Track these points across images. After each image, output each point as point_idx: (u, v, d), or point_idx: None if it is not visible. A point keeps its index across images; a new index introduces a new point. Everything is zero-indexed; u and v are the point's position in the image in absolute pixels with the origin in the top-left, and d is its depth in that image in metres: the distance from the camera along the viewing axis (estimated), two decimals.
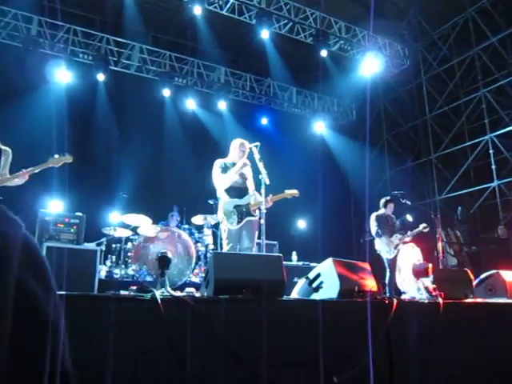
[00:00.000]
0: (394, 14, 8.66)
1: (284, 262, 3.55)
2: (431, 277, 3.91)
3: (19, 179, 4.40)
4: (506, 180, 8.71)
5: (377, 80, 10.71)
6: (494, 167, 8.91)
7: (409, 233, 6.43)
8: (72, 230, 6.15)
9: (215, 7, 8.78)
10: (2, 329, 0.34)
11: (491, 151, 8.99)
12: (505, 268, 4.75)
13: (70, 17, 8.80)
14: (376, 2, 5.70)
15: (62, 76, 9.12)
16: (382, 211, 6.83)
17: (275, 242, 7.31)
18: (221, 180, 4.87)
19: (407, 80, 10.87)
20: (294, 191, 5.01)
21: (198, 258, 6.83)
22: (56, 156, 4.46)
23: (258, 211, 4.73)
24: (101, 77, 9.48)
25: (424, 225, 6.41)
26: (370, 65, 9.87)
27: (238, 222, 4.75)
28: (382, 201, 6.92)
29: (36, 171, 4.44)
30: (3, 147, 4.55)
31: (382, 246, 6.47)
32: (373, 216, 6.70)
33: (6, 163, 4.56)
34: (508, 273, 4.53)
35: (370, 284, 3.57)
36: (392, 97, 11.25)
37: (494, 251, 8.02)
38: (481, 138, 9.25)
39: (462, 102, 9.74)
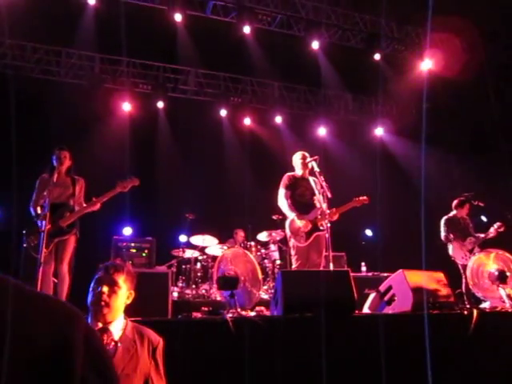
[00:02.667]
0: (447, 8, 8.31)
1: (353, 274, 3.48)
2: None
3: (92, 207, 4.66)
4: None
5: (436, 76, 10.29)
6: None
7: (482, 235, 6.07)
8: (144, 254, 6.40)
9: (264, 24, 8.91)
10: None
11: None
12: None
13: (128, 50, 9.26)
14: None
15: (125, 107, 9.61)
16: (453, 213, 6.52)
17: (342, 254, 7.18)
18: (281, 198, 4.91)
19: (470, 72, 10.34)
20: (364, 198, 4.93)
21: (266, 275, 6.86)
22: (124, 180, 4.65)
23: (325, 224, 4.68)
24: (160, 104, 9.90)
25: (498, 224, 6.02)
26: (427, 62, 9.53)
27: (307, 239, 4.73)
28: (455, 202, 6.62)
29: (106, 198, 4.66)
30: (76, 177, 4.87)
31: (455, 252, 6.15)
32: (442, 220, 6.42)
33: (81, 192, 4.86)
34: None
35: (446, 294, 3.40)
36: (454, 92, 10.74)
37: None
38: None
39: None
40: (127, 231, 8.16)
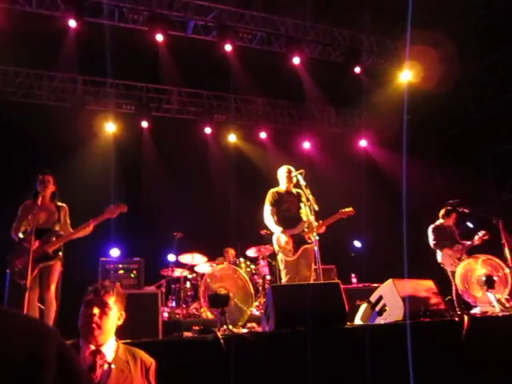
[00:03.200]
0: (422, 21, 8.51)
1: (344, 286, 3.48)
2: (503, 289, 3.70)
3: (84, 231, 4.59)
4: None
5: (416, 88, 10.47)
6: None
7: (468, 242, 6.16)
8: (132, 275, 6.33)
9: (245, 42, 9.01)
10: None
11: None
12: None
13: (110, 72, 9.28)
14: (401, 12, 5.66)
15: (108, 128, 9.58)
16: (439, 222, 6.60)
17: (332, 266, 7.17)
18: (266, 215, 4.91)
19: (448, 83, 10.56)
20: (349, 209, 4.96)
21: (257, 291, 6.82)
22: (111, 206, 4.61)
23: (313, 237, 4.66)
24: (145, 124, 9.89)
25: (483, 232, 6.12)
26: (407, 74, 9.71)
27: (295, 253, 4.72)
28: (442, 212, 6.70)
29: (93, 225, 4.61)
30: (59, 204, 4.81)
31: (444, 259, 6.20)
32: (430, 228, 6.50)
33: (66, 219, 4.80)
34: None
35: (437, 302, 3.42)
36: (434, 103, 10.93)
37: None
38: None
39: (509, 98, 9.31)
40: (115, 252, 8.07)
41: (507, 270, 4.34)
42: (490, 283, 3.81)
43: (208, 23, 8.67)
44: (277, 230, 4.80)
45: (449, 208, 6.68)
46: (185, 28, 8.68)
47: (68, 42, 8.18)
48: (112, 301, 2.17)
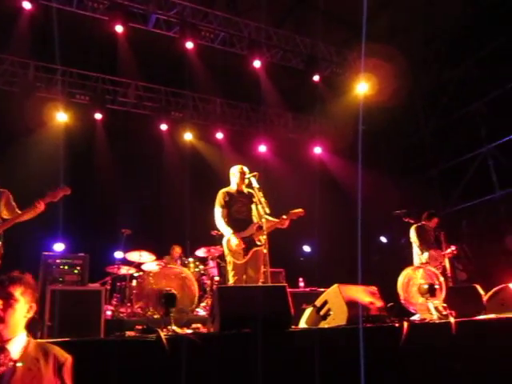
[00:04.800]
0: (379, 36, 8.80)
1: (291, 290, 3.51)
2: (440, 297, 3.89)
3: (34, 211, 4.35)
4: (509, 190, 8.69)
5: (371, 100, 10.78)
6: (494, 178, 8.92)
7: (449, 249, 6.30)
8: (76, 271, 6.09)
9: (206, 41, 8.96)
10: None
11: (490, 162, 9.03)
12: None
13: (65, 59, 8.95)
14: (359, 24, 5.82)
15: (59, 117, 9.22)
16: (422, 223, 6.63)
17: (281, 270, 7.23)
18: (217, 217, 4.87)
19: (401, 98, 10.95)
20: (299, 210, 4.95)
21: (204, 291, 6.77)
22: (52, 188, 4.42)
23: (262, 239, 4.63)
24: (98, 116, 9.59)
25: (453, 247, 6.33)
26: (363, 86, 9.97)
27: (245, 256, 4.70)
28: (425, 214, 6.77)
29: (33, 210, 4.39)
30: (0, 189, 4.57)
31: (431, 260, 6.20)
32: (413, 228, 6.49)
33: (8, 204, 4.55)
34: None
35: (379, 308, 3.52)
36: (388, 116, 11.30)
37: (503, 264, 7.91)
38: (479, 151, 9.28)
39: (457, 116, 9.79)
40: (59, 247, 7.76)
41: (442, 279, 4.53)
42: (431, 291, 3.98)
43: (170, 18, 8.55)
44: (227, 233, 4.76)
45: (431, 211, 6.81)
46: (146, 21, 8.51)
47: (22, 25, 7.80)
48: (18, 292, 2.03)
